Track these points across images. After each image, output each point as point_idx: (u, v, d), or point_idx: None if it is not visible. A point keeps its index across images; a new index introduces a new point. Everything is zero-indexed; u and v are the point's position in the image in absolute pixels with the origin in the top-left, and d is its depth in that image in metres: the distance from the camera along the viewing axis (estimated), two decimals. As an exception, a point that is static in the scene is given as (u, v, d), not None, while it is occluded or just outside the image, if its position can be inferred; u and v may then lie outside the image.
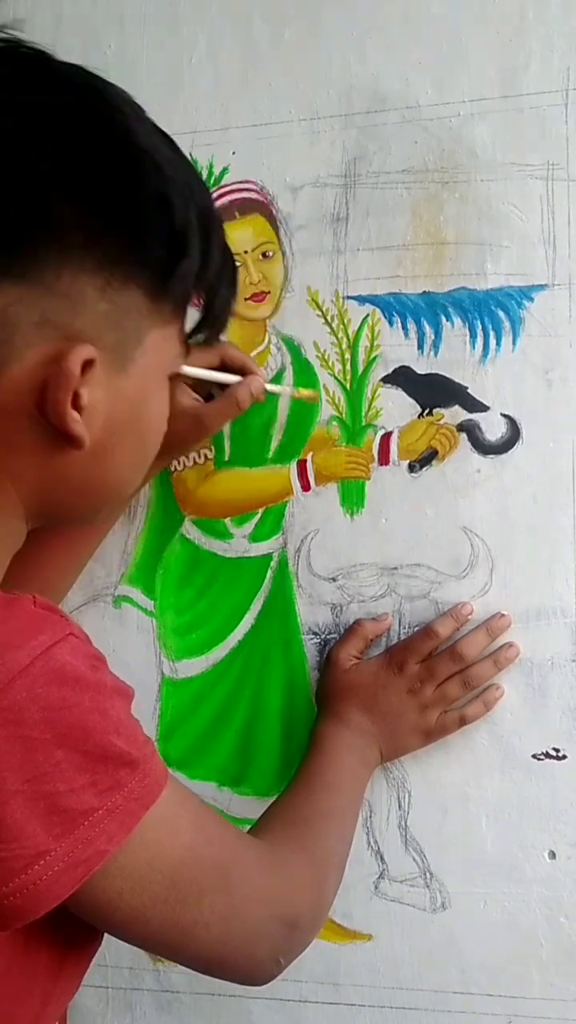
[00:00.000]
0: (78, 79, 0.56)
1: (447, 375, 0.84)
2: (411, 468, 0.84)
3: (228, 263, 0.64)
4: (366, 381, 0.85)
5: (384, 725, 0.80)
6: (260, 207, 0.88)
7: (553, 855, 0.80)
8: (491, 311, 0.83)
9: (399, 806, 0.84)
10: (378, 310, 0.85)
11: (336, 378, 0.86)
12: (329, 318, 0.86)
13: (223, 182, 0.88)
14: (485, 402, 0.83)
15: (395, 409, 0.85)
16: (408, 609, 0.84)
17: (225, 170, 0.88)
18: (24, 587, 0.57)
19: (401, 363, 0.85)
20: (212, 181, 0.89)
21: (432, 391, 0.84)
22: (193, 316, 0.65)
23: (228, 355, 0.79)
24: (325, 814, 0.75)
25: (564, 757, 0.80)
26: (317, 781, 0.77)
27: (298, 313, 0.87)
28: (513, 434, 0.82)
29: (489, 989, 0.81)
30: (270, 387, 0.80)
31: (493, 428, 0.83)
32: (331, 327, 0.86)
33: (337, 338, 0.86)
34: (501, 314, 0.82)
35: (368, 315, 0.85)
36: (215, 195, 0.88)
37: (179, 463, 0.89)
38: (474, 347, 0.83)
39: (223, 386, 0.78)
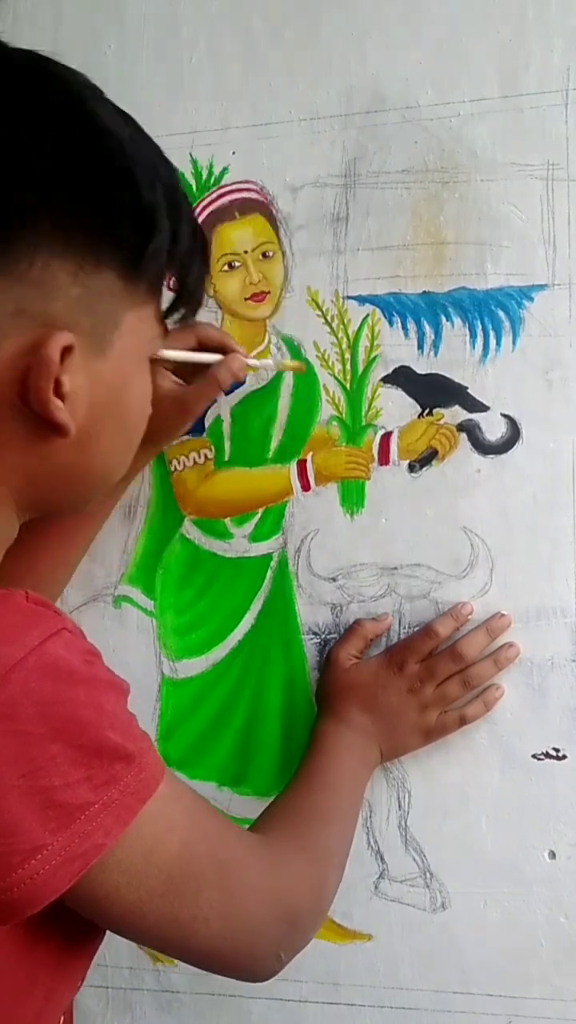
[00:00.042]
0: (34, 64, 0.56)
1: (447, 375, 0.84)
2: (411, 468, 0.84)
3: (198, 239, 0.64)
4: (366, 381, 0.85)
5: (384, 724, 0.80)
6: (260, 207, 0.88)
7: (553, 855, 0.80)
8: (491, 311, 0.83)
9: (399, 806, 0.84)
10: (378, 310, 0.85)
11: (336, 378, 0.86)
12: (329, 318, 0.86)
13: (223, 182, 0.88)
14: (485, 402, 0.83)
15: (395, 409, 0.85)
16: (408, 609, 0.84)
17: (225, 170, 0.88)
18: (17, 583, 0.57)
19: (401, 363, 0.85)
20: (212, 181, 0.89)
21: (432, 391, 0.84)
22: (170, 299, 0.65)
23: (205, 335, 0.78)
24: (325, 812, 0.75)
25: (564, 757, 0.80)
26: (317, 780, 0.77)
27: (298, 313, 0.87)
28: (513, 434, 0.82)
29: (489, 989, 0.81)
30: (252, 362, 0.79)
31: (493, 428, 0.83)
32: (331, 327, 0.86)
33: (337, 338, 0.86)
34: (501, 314, 0.82)
35: (368, 315, 0.85)
36: (215, 195, 0.88)
37: (179, 463, 0.89)
38: (474, 347, 0.83)
39: (205, 367, 0.77)
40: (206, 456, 0.89)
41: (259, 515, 0.88)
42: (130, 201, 0.56)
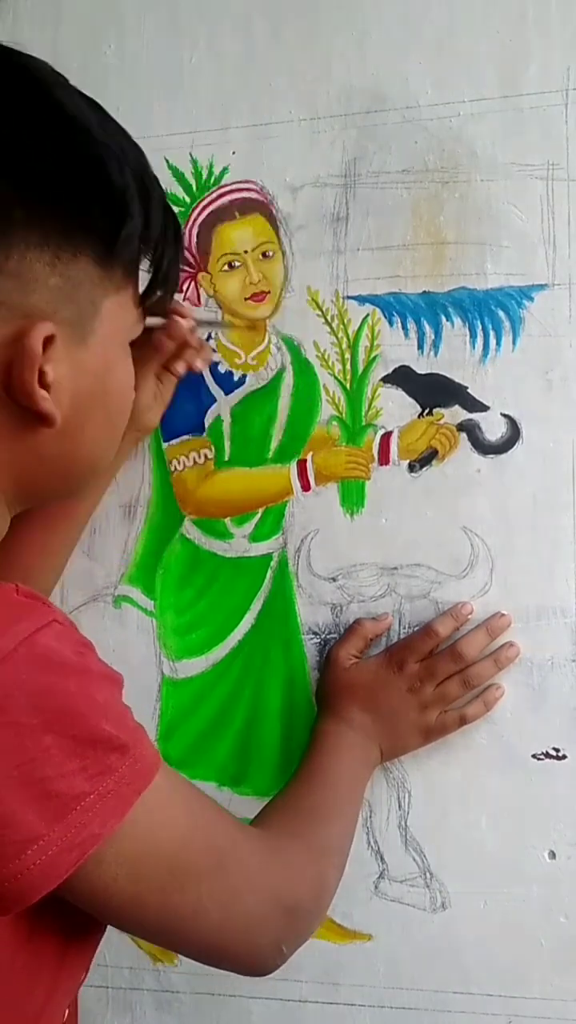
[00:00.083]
0: None
1: (447, 375, 0.84)
2: (411, 468, 0.84)
3: (170, 220, 0.65)
4: (366, 381, 0.85)
5: (384, 724, 0.80)
6: (260, 207, 0.88)
7: (553, 855, 0.80)
8: (491, 311, 0.83)
9: (399, 806, 0.84)
10: (378, 310, 0.85)
11: (336, 378, 0.86)
12: (329, 318, 0.86)
13: (223, 182, 0.88)
14: (485, 402, 0.83)
15: (395, 409, 0.85)
16: (408, 609, 0.84)
17: (225, 170, 0.88)
18: (8, 576, 0.57)
19: (401, 363, 0.85)
20: (212, 181, 0.89)
21: (432, 391, 0.84)
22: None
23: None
24: (325, 810, 0.75)
25: (564, 757, 0.80)
26: (317, 779, 0.77)
27: (298, 313, 0.87)
28: (513, 434, 0.82)
29: (489, 989, 0.81)
30: (199, 316, 0.80)
31: (493, 428, 0.83)
32: (331, 327, 0.86)
33: (337, 338, 0.86)
34: (501, 314, 0.82)
35: (368, 315, 0.85)
36: (215, 195, 0.88)
37: (179, 463, 0.89)
38: (474, 347, 0.83)
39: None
40: (206, 456, 0.89)
41: (259, 515, 0.88)
42: (102, 188, 0.57)
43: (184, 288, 0.89)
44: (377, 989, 0.84)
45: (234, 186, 0.88)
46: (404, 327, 0.85)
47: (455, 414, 0.83)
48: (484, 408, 0.83)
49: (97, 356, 0.59)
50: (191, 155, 0.89)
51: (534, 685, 0.81)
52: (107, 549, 0.90)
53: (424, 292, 0.84)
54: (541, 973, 0.80)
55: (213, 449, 0.89)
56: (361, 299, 0.85)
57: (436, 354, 0.84)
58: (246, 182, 0.88)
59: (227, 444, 0.89)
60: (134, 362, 0.76)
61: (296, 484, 0.87)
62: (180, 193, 0.89)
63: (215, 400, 0.88)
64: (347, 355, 0.86)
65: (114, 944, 0.89)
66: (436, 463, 0.84)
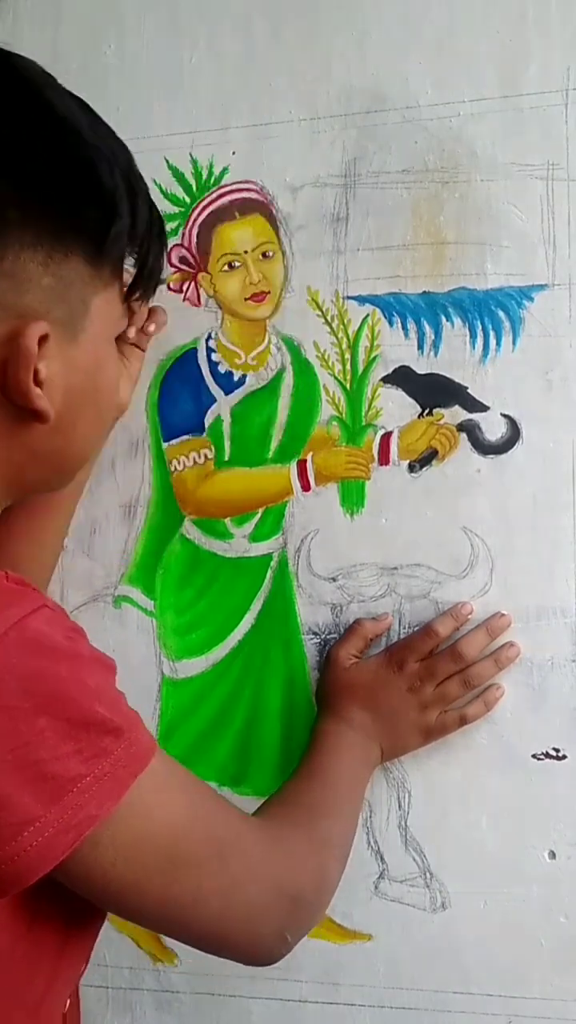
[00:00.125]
0: None
1: (447, 375, 0.84)
2: (411, 468, 0.84)
3: (155, 215, 0.65)
4: (366, 381, 0.85)
5: (384, 723, 0.80)
6: (260, 207, 0.88)
7: (553, 855, 0.80)
8: (491, 311, 0.83)
9: (399, 806, 0.84)
10: (378, 310, 0.85)
11: (336, 378, 0.86)
12: (329, 318, 0.86)
13: (223, 182, 0.88)
14: (485, 402, 0.83)
15: (395, 409, 0.85)
16: (408, 609, 0.84)
17: (225, 170, 0.88)
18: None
19: (401, 363, 0.85)
20: (212, 181, 0.89)
21: (432, 391, 0.84)
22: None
23: None
24: (325, 804, 0.75)
25: (564, 757, 0.80)
26: (317, 775, 0.78)
27: (298, 313, 0.87)
28: (513, 434, 0.82)
29: (489, 989, 0.81)
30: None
31: (493, 428, 0.83)
32: (331, 327, 0.86)
33: (337, 338, 0.86)
34: (501, 314, 0.82)
35: (368, 315, 0.85)
36: (215, 195, 0.88)
37: (179, 463, 0.89)
38: (474, 347, 0.83)
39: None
40: (206, 456, 0.89)
41: (259, 515, 0.88)
42: (93, 189, 0.58)
43: (184, 288, 0.89)
44: (377, 989, 0.84)
45: (234, 186, 0.88)
46: (404, 327, 0.85)
47: (455, 414, 0.83)
48: (484, 408, 0.83)
49: (88, 353, 0.60)
50: (191, 155, 0.89)
51: (534, 685, 0.81)
52: (107, 549, 0.90)
53: (424, 292, 0.84)
54: (541, 973, 0.80)
55: (213, 449, 0.89)
56: (361, 299, 0.85)
57: (436, 354, 0.84)
58: (246, 182, 0.88)
59: (227, 444, 0.89)
60: None
61: (296, 484, 0.87)
62: (180, 193, 0.89)
63: (215, 400, 0.89)
64: (347, 355, 0.86)
65: (114, 944, 0.89)
66: (436, 463, 0.84)
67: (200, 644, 0.89)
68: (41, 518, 0.84)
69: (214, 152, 0.89)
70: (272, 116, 0.87)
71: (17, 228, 0.55)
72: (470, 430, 0.83)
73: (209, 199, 0.89)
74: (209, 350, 0.89)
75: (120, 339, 0.81)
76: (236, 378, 0.88)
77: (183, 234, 0.89)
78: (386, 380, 0.85)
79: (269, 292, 0.87)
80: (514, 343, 0.82)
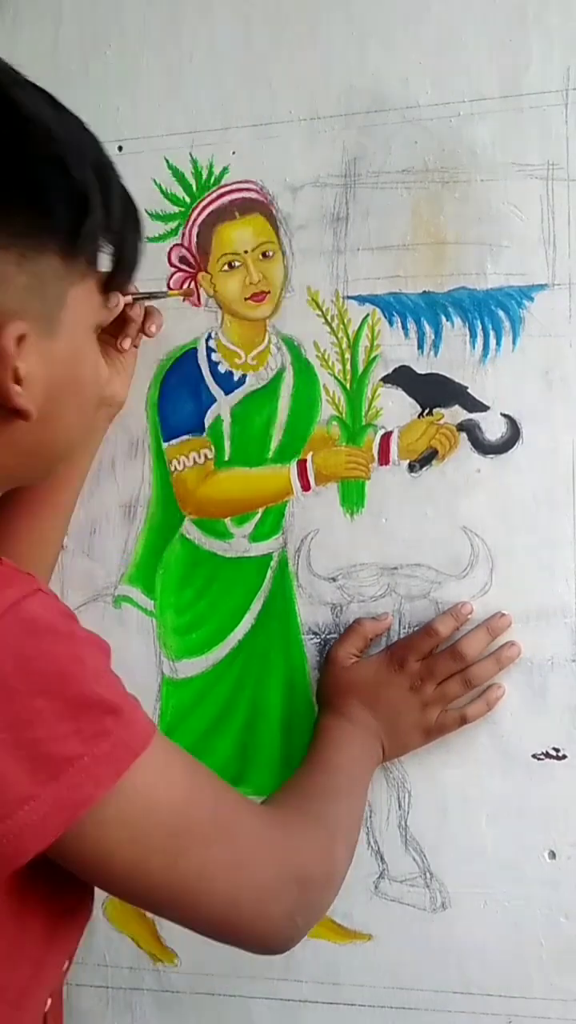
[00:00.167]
0: None
1: (447, 375, 0.84)
2: (411, 468, 0.84)
3: (130, 207, 0.65)
4: (366, 381, 0.85)
5: (385, 721, 0.80)
6: (260, 207, 0.88)
7: (553, 855, 0.80)
8: (491, 311, 0.83)
9: (399, 806, 0.84)
10: (378, 310, 0.85)
11: (336, 378, 0.86)
12: (329, 318, 0.86)
13: (223, 182, 0.88)
14: (485, 402, 0.83)
15: (395, 409, 0.85)
16: (408, 609, 0.84)
17: (225, 170, 0.88)
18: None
19: (401, 363, 0.85)
20: (212, 181, 0.89)
21: (432, 391, 0.84)
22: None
23: None
24: (332, 791, 0.75)
25: (564, 757, 0.80)
26: (322, 766, 0.78)
27: (298, 313, 0.87)
28: (513, 434, 0.82)
29: (489, 989, 0.81)
30: (124, 298, 0.80)
31: (493, 428, 0.83)
32: (331, 327, 0.86)
33: (337, 338, 0.86)
34: (501, 314, 0.82)
35: (368, 315, 0.85)
36: (215, 195, 0.88)
37: (179, 463, 0.89)
38: (474, 347, 0.83)
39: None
40: (206, 456, 0.89)
41: (259, 515, 0.88)
42: (64, 185, 0.57)
43: (184, 286, 0.89)
44: (377, 989, 0.84)
45: (234, 186, 0.88)
46: (404, 327, 0.85)
47: (455, 414, 0.83)
48: (484, 408, 0.83)
49: (66, 345, 0.60)
50: (191, 155, 0.89)
51: (534, 685, 0.81)
52: (107, 549, 0.90)
53: (424, 292, 0.84)
54: (541, 973, 0.80)
55: (213, 449, 0.89)
56: (361, 299, 0.85)
57: (436, 354, 0.84)
58: (246, 182, 0.88)
59: (227, 444, 0.89)
60: None
61: (296, 484, 0.87)
62: (180, 193, 0.89)
63: (215, 400, 0.89)
64: (347, 355, 0.86)
65: (114, 944, 0.89)
66: (436, 463, 0.84)
67: (200, 644, 0.89)
68: (41, 517, 0.84)
69: (214, 152, 0.89)
70: (272, 116, 0.87)
71: None
72: (470, 430, 0.83)
73: (209, 199, 0.89)
74: (209, 350, 0.89)
75: (112, 335, 0.81)
76: (236, 378, 0.88)
77: (183, 234, 0.89)
78: (386, 380, 0.85)
79: (269, 292, 0.87)
80: (514, 343, 0.82)
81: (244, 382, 0.88)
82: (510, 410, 0.82)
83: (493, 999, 0.81)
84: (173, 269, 0.89)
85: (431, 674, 0.80)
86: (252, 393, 0.88)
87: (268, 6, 0.88)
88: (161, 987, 0.89)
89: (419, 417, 0.84)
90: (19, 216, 0.56)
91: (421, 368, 0.84)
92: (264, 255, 0.88)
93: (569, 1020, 0.80)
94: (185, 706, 0.88)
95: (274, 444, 0.87)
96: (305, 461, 0.87)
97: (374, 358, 0.85)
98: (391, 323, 0.85)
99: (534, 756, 0.81)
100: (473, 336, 0.83)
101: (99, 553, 0.91)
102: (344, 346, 0.86)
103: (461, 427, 0.83)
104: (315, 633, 0.86)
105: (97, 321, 0.65)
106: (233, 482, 0.88)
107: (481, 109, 0.83)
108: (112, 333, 0.82)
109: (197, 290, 0.89)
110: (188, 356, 0.89)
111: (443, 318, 0.84)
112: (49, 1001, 0.63)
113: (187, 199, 0.89)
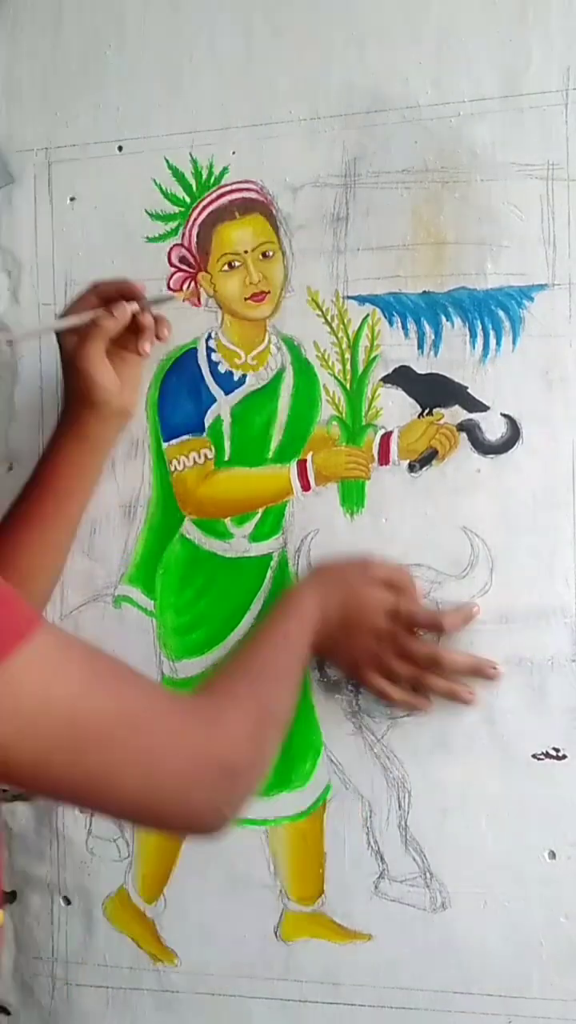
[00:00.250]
0: None
1: (447, 375, 0.84)
2: (411, 468, 0.84)
3: None
4: (366, 381, 0.85)
5: (344, 624, 0.79)
6: (260, 207, 0.88)
7: (553, 855, 0.80)
8: (491, 311, 0.83)
9: (399, 806, 0.84)
10: (378, 310, 0.85)
11: (336, 378, 0.86)
12: (329, 318, 0.86)
13: (223, 182, 0.88)
14: (485, 402, 0.83)
15: (395, 409, 0.85)
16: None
17: (225, 170, 0.88)
18: (3, 576, 0.58)
19: (401, 363, 0.85)
20: (212, 181, 0.89)
21: (432, 391, 0.84)
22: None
23: (104, 292, 0.81)
24: (260, 667, 0.74)
25: (564, 757, 0.80)
26: (257, 639, 0.78)
27: (298, 313, 0.87)
28: (513, 434, 0.82)
29: (489, 989, 0.81)
30: (131, 305, 0.80)
31: (493, 428, 0.83)
32: (331, 327, 0.86)
33: (337, 338, 0.86)
34: (501, 314, 0.82)
35: (368, 315, 0.85)
36: (215, 195, 0.88)
37: (179, 463, 0.89)
38: (474, 347, 0.83)
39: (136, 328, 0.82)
40: (206, 456, 0.89)
41: (259, 515, 0.88)
42: None
43: (184, 288, 0.89)
44: (377, 989, 0.84)
45: (234, 186, 0.88)
46: (404, 327, 0.85)
47: (455, 414, 0.83)
48: (484, 408, 0.83)
49: None
50: (191, 155, 0.89)
51: (534, 685, 0.81)
52: (107, 549, 0.90)
53: (424, 292, 0.84)
54: (541, 973, 0.80)
55: (213, 449, 0.89)
56: (361, 299, 0.85)
57: (436, 354, 0.84)
58: (246, 182, 0.88)
59: (227, 444, 0.89)
60: (84, 346, 0.78)
61: (296, 484, 0.87)
62: (180, 193, 0.89)
63: (215, 400, 0.89)
64: (347, 355, 0.86)
65: (114, 944, 0.89)
66: (436, 463, 0.84)
67: (200, 644, 0.89)
68: (49, 528, 0.83)
69: (214, 152, 0.89)
70: (272, 116, 0.87)
71: None
72: (470, 430, 0.83)
73: (209, 199, 0.89)
74: (209, 350, 0.89)
75: (121, 346, 0.81)
76: (236, 378, 0.88)
77: (183, 234, 0.89)
78: (386, 380, 0.85)
79: (269, 292, 0.87)
80: (514, 343, 0.82)
81: (244, 382, 0.88)
82: (510, 410, 0.82)
83: (493, 999, 0.81)
84: (173, 269, 0.89)
85: (402, 648, 0.79)
86: (252, 393, 0.88)
87: (268, 6, 0.88)
88: (161, 987, 0.89)
89: (419, 417, 0.84)
90: None
91: (421, 368, 0.84)
92: (264, 255, 0.88)
93: (569, 1020, 0.80)
94: (185, 706, 0.88)
95: (274, 444, 0.87)
96: (305, 461, 0.87)
97: (374, 358, 0.85)
98: (391, 323, 0.85)
99: (534, 756, 0.81)
100: (473, 336, 0.83)
101: (99, 553, 0.91)
102: (344, 346, 0.86)
103: (461, 427, 0.83)
104: (315, 633, 0.86)
105: None
106: (233, 482, 0.88)
107: (481, 109, 0.83)
108: (121, 344, 0.82)
109: (197, 290, 0.89)
110: (188, 356, 0.89)
111: (443, 318, 0.84)
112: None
113: (187, 199, 0.89)
